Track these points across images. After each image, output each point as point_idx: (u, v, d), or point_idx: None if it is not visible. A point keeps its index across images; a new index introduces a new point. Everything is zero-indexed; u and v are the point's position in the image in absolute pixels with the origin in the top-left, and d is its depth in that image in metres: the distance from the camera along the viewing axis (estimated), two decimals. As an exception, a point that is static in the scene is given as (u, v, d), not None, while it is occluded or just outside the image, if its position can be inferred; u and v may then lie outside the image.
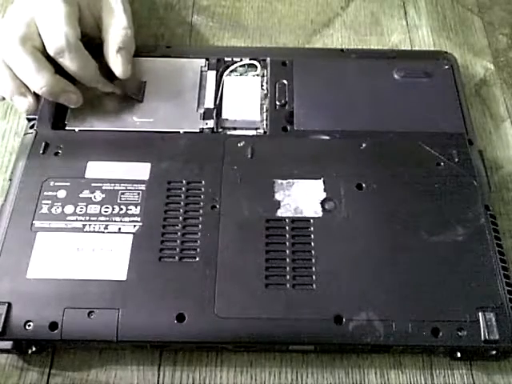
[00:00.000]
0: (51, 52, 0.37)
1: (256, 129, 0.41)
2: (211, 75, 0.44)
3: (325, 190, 0.37)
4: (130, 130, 0.40)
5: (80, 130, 0.40)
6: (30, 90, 0.39)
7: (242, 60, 0.44)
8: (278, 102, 0.42)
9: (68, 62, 0.37)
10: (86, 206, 0.36)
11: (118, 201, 0.37)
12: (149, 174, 0.38)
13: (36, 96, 0.39)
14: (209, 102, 0.42)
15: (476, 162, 0.39)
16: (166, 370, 0.34)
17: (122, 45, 0.40)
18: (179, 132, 0.40)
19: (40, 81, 0.37)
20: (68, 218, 0.36)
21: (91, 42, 0.41)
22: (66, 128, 0.40)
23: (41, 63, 0.37)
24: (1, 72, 0.38)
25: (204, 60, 0.44)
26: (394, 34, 0.51)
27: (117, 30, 0.40)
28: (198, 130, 0.40)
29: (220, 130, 0.41)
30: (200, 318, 0.33)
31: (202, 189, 0.37)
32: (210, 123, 0.41)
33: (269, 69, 0.44)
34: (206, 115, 0.41)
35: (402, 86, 0.43)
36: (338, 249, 0.35)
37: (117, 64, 0.39)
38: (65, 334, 0.32)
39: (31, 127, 0.40)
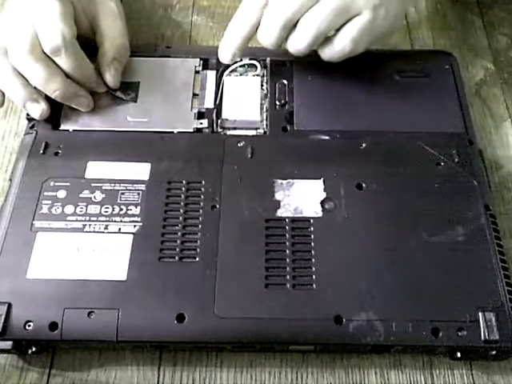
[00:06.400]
0: (47, 51, 0.37)
1: (256, 129, 0.41)
2: (211, 75, 0.44)
3: (325, 190, 0.37)
4: (125, 130, 0.40)
5: (74, 130, 0.40)
6: (42, 96, 0.39)
7: (241, 60, 0.44)
8: (277, 102, 0.42)
9: (64, 61, 0.37)
10: (86, 206, 0.36)
11: (118, 201, 0.37)
12: (149, 174, 0.38)
13: (48, 100, 0.39)
14: (209, 102, 0.42)
15: (476, 162, 0.39)
16: (165, 370, 0.34)
17: (117, 56, 0.41)
18: (173, 132, 0.40)
19: (52, 85, 0.38)
20: (68, 218, 0.36)
21: (88, 42, 0.41)
22: (60, 128, 0.40)
23: (52, 68, 0.38)
24: (12, 80, 0.38)
25: (198, 59, 0.44)
26: (394, 34, 0.50)
27: (113, 39, 0.41)
28: (191, 130, 0.40)
29: (220, 129, 0.41)
30: (200, 318, 0.33)
31: (202, 189, 0.37)
32: (204, 123, 0.41)
33: (269, 69, 0.44)
34: (206, 115, 0.41)
35: (402, 86, 0.43)
36: (337, 249, 0.35)
37: (108, 74, 0.40)
38: (65, 334, 0.32)
39: (31, 127, 0.40)
